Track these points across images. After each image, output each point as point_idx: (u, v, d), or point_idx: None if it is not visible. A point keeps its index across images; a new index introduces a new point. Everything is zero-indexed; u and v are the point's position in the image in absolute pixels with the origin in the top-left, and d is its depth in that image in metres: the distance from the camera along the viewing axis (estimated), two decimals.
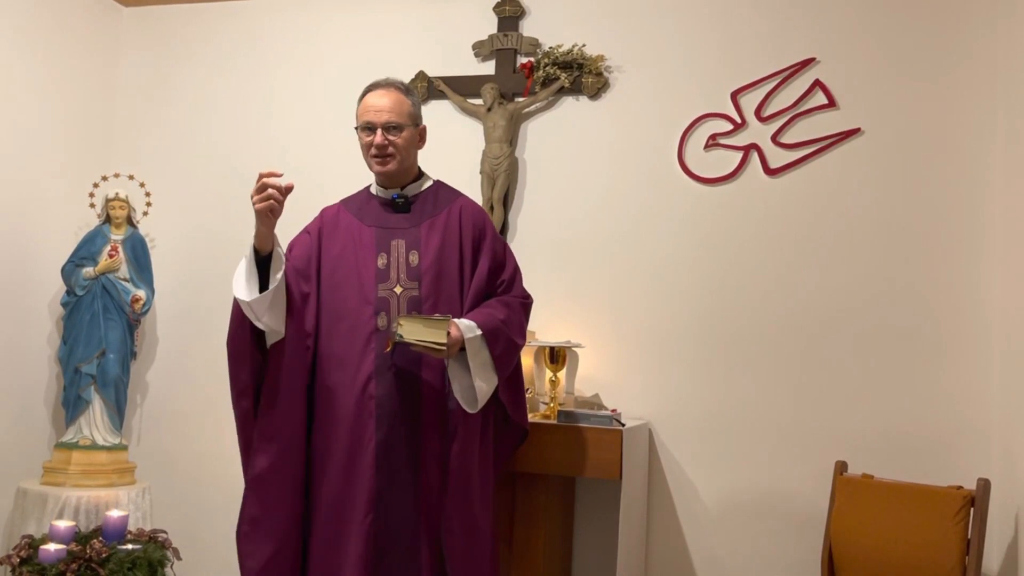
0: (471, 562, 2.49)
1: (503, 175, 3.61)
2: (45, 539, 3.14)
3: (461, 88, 3.75)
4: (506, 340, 2.53)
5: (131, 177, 3.89)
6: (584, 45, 3.61)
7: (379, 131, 2.56)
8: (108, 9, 4.18)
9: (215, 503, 3.82)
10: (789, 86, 3.42)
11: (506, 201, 3.64)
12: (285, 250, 2.57)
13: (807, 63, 3.41)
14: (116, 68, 4.23)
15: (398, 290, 2.55)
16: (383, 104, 2.57)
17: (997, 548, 3.00)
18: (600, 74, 3.60)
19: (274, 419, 2.50)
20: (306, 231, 2.70)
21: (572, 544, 3.40)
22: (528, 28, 3.75)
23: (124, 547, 3.16)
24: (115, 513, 3.26)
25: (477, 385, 2.46)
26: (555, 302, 3.48)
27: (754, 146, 3.44)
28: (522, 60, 3.73)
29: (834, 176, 3.35)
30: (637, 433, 3.16)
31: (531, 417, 2.93)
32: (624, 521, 2.89)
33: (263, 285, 2.44)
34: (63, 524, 3.17)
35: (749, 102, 3.46)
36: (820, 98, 3.39)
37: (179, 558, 3.32)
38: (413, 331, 2.38)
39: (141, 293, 3.72)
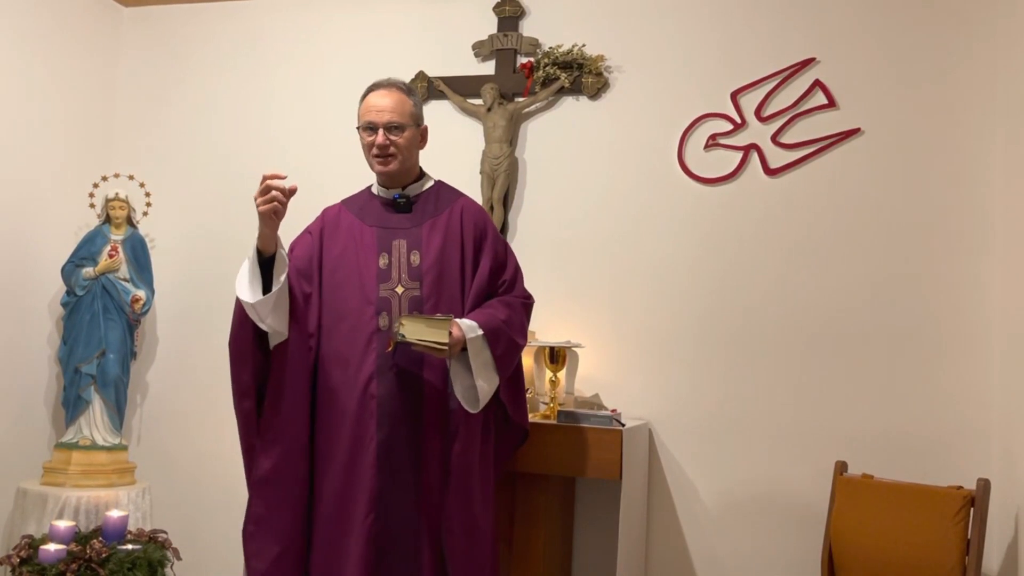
0: (472, 562, 2.49)
1: (503, 175, 3.61)
2: (45, 539, 3.14)
3: (461, 88, 3.75)
4: (507, 340, 2.53)
5: (131, 177, 3.89)
6: (584, 45, 3.61)
7: (381, 131, 2.56)
8: (108, 9, 4.18)
9: (215, 503, 3.82)
10: (789, 86, 3.42)
11: (506, 201, 3.64)
12: (287, 251, 2.57)
13: (807, 63, 3.41)
14: (116, 68, 4.23)
15: (399, 290, 2.55)
16: (385, 104, 2.57)
17: (997, 548, 3.00)
18: (600, 74, 3.60)
19: (278, 420, 2.51)
20: (307, 231, 2.70)
21: (572, 544, 3.40)
22: (528, 28, 3.75)
23: (124, 547, 3.16)
24: (115, 513, 3.26)
25: (479, 385, 2.47)
26: (555, 302, 3.48)
27: (754, 146, 3.44)
28: (522, 60, 3.73)
29: (834, 176, 3.36)
30: (637, 433, 3.16)
31: (531, 417, 2.93)
32: (624, 521, 2.89)
33: (266, 286, 2.44)
34: (63, 524, 3.17)
35: (749, 102, 3.46)
36: (820, 98, 3.39)
37: (179, 558, 3.32)
38: (415, 331, 2.38)
39: (141, 293, 3.72)
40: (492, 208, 3.58)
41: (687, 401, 3.41)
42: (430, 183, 2.73)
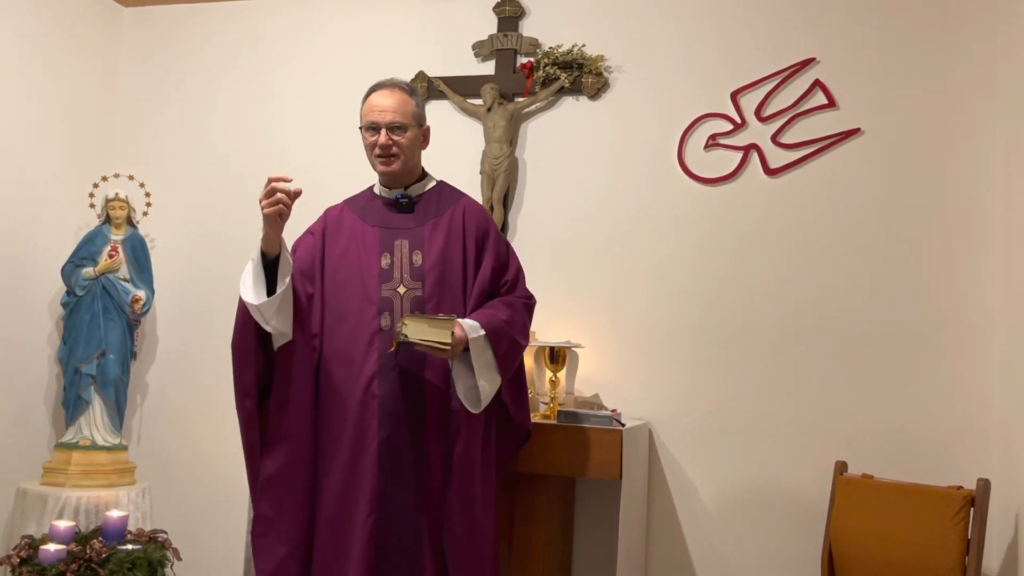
0: (473, 562, 2.49)
1: (503, 175, 3.61)
2: (45, 539, 3.14)
3: (461, 88, 3.75)
4: (509, 340, 2.53)
5: (131, 177, 3.89)
6: (584, 45, 3.61)
7: (383, 131, 2.56)
8: (108, 9, 4.18)
9: (215, 503, 3.82)
10: (789, 86, 3.42)
11: (506, 201, 3.64)
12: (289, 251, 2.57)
13: (807, 63, 3.41)
14: (116, 68, 4.23)
15: (401, 290, 2.55)
16: (387, 104, 2.58)
17: (997, 548, 3.00)
18: (600, 74, 3.60)
19: (284, 422, 2.51)
20: (309, 231, 2.70)
21: (572, 544, 3.40)
22: (528, 28, 3.75)
23: (124, 547, 3.16)
24: (115, 513, 3.26)
25: (480, 385, 2.47)
26: (555, 302, 3.47)
27: (754, 146, 3.44)
28: (522, 60, 3.73)
29: (834, 176, 3.36)
30: (637, 433, 3.16)
31: (532, 417, 2.93)
32: (624, 521, 2.89)
33: (270, 288, 2.44)
34: (63, 524, 3.17)
35: (749, 102, 3.46)
36: (820, 98, 3.39)
37: (179, 558, 3.31)
38: (417, 331, 2.39)
39: (141, 293, 3.72)
40: (492, 208, 3.58)
41: (687, 401, 3.41)
42: (432, 183, 2.73)
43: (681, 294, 3.46)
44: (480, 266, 2.63)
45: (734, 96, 3.47)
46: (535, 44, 3.70)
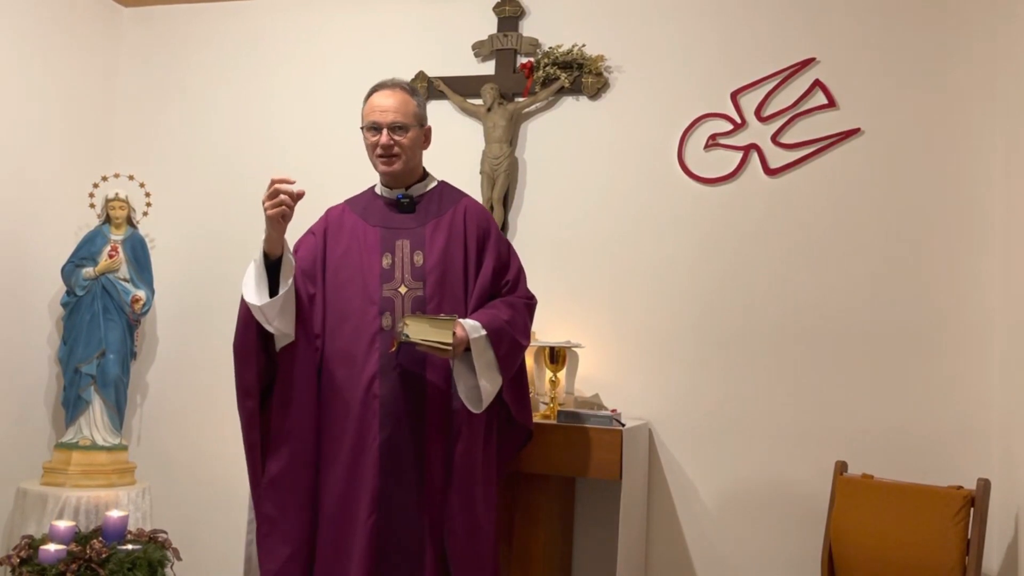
0: (474, 563, 2.50)
1: (503, 175, 3.61)
2: (45, 539, 3.14)
3: (461, 88, 3.75)
4: (510, 340, 2.54)
5: (131, 177, 3.89)
6: (584, 45, 3.61)
7: (385, 131, 2.57)
8: (108, 9, 4.18)
9: (215, 503, 3.82)
10: (789, 86, 3.42)
11: (506, 201, 3.64)
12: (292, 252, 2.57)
13: (807, 63, 3.41)
14: (116, 68, 4.23)
15: (403, 290, 2.56)
16: (389, 104, 2.58)
17: (997, 548, 3.00)
18: (600, 74, 3.60)
19: (286, 422, 2.51)
20: (311, 232, 2.71)
21: (572, 544, 3.40)
22: (528, 28, 3.75)
23: (124, 547, 3.16)
24: (115, 513, 3.25)
25: (482, 385, 2.47)
26: (555, 302, 3.47)
27: (754, 146, 3.44)
28: (522, 60, 3.73)
29: (834, 176, 3.36)
30: (637, 433, 3.16)
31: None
32: (624, 521, 2.89)
33: (272, 289, 2.44)
34: (63, 524, 3.17)
35: (749, 102, 3.46)
36: (820, 98, 3.39)
37: (179, 558, 3.31)
38: (419, 331, 2.39)
39: (141, 293, 3.72)
40: (492, 208, 3.58)
41: (687, 401, 3.41)
42: (433, 183, 2.73)
43: (681, 294, 3.46)
44: (481, 266, 2.63)
45: (734, 96, 3.47)
46: (535, 44, 3.70)
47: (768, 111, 3.44)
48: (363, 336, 2.52)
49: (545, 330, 3.44)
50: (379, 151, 2.59)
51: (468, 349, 2.46)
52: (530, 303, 2.70)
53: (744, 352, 3.38)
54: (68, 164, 3.95)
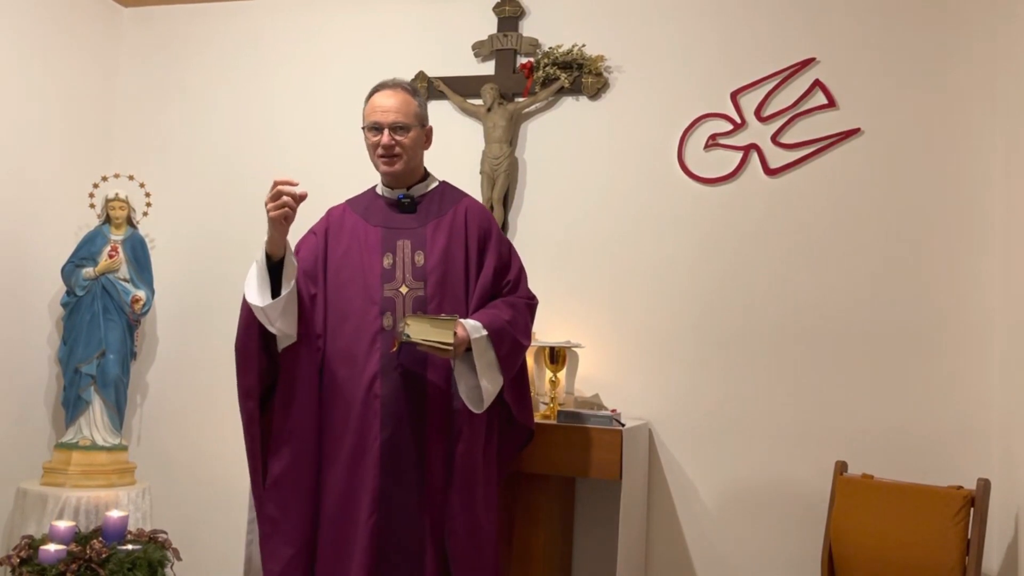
0: (475, 563, 2.49)
1: (503, 175, 3.61)
2: (45, 539, 3.14)
3: (461, 88, 3.75)
4: (512, 341, 2.54)
5: (131, 177, 3.89)
6: (584, 45, 3.61)
7: (386, 131, 2.57)
8: (108, 9, 4.18)
9: (215, 503, 3.82)
10: (789, 86, 3.42)
11: (506, 201, 3.64)
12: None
13: (807, 63, 3.42)
14: (116, 68, 4.23)
15: (404, 290, 2.56)
16: (390, 104, 2.58)
17: (997, 548, 3.00)
18: (600, 74, 3.60)
19: (288, 422, 2.51)
20: (312, 232, 2.71)
21: (572, 544, 3.40)
22: (528, 28, 3.75)
23: (124, 547, 3.15)
24: (115, 513, 3.25)
25: (483, 385, 2.47)
26: (555, 302, 3.47)
27: (754, 146, 3.44)
28: (522, 60, 3.73)
29: (834, 176, 3.36)
30: (637, 433, 3.16)
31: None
32: (624, 521, 2.89)
33: (274, 290, 2.44)
34: (63, 524, 3.17)
35: (749, 102, 3.46)
36: (820, 98, 3.39)
37: (179, 558, 3.31)
38: (420, 331, 2.39)
39: (141, 293, 3.72)
40: (492, 208, 3.58)
41: (687, 401, 3.41)
42: (435, 183, 2.73)
43: (681, 294, 3.47)
44: (482, 266, 2.63)
45: (734, 96, 3.47)
46: (535, 44, 3.70)
47: (768, 111, 3.44)
48: (364, 336, 2.52)
49: (545, 330, 3.44)
50: (380, 151, 2.59)
51: (469, 349, 2.46)
52: (531, 303, 2.71)
53: (744, 352, 3.38)
54: (68, 164, 3.95)
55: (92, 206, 3.85)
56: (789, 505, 3.27)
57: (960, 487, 2.79)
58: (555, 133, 3.67)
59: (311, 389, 2.53)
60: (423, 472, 2.48)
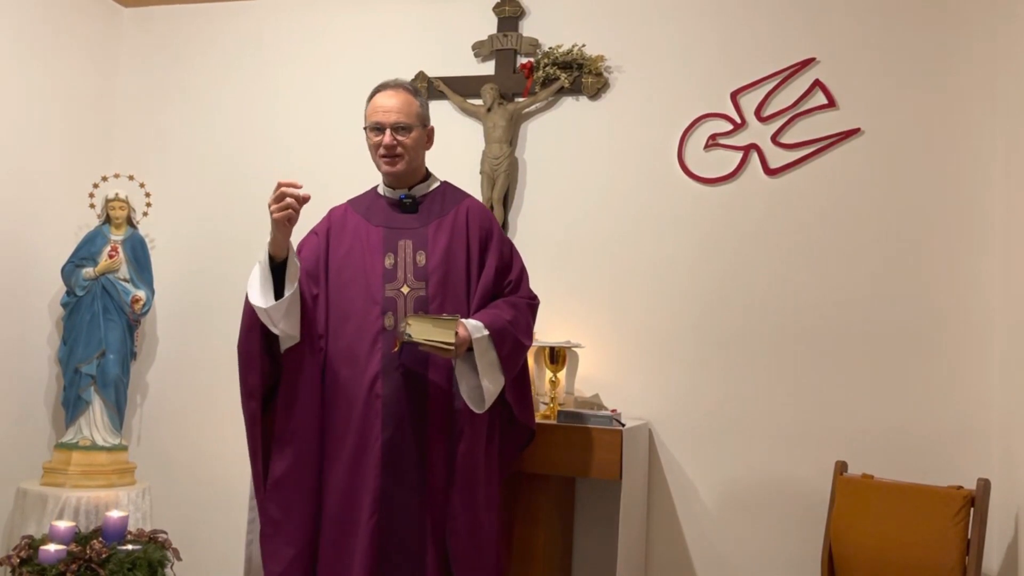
0: (476, 563, 2.50)
1: (503, 175, 3.61)
2: (45, 539, 3.14)
3: (461, 88, 3.75)
4: (513, 340, 2.54)
5: (131, 177, 3.89)
6: (584, 45, 3.61)
7: (388, 131, 2.57)
8: (108, 10, 4.18)
9: (215, 503, 3.82)
10: (789, 86, 3.42)
11: (506, 201, 3.64)
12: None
13: (807, 63, 3.42)
14: (116, 69, 4.23)
15: (405, 290, 2.56)
16: (392, 105, 2.58)
17: (997, 548, 3.00)
18: (600, 74, 3.60)
19: (290, 423, 2.51)
20: (314, 232, 2.71)
21: (572, 544, 3.40)
22: (528, 28, 3.75)
23: (124, 548, 3.16)
24: (115, 514, 3.25)
25: (484, 385, 2.47)
26: (555, 302, 3.47)
27: (754, 146, 3.44)
28: (522, 60, 3.73)
29: (834, 176, 3.36)
30: (637, 433, 3.16)
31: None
32: (624, 521, 2.89)
33: (277, 291, 2.45)
34: (63, 524, 3.17)
35: (749, 102, 3.46)
36: (820, 98, 3.39)
37: (179, 558, 3.31)
38: (421, 330, 2.39)
39: (141, 293, 3.72)
40: (492, 208, 3.58)
41: (687, 401, 3.41)
42: (436, 184, 2.74)
43: (681, 294, 3.47)
44: (484, 266, 2.63)
45: (734, 96, 3.47)
46: (535, 44, 3.70)
47: (768, 111, 3.44)
48: (366, 336, 2.52)
49: (545, 330, 3.44)
50: (382, 151, 2.59)
51: (471, 349, 2.46)
52: (532, 303, 2.71)
53: (744, 352, 3.38)
54: (68, 164, 3.95)
55: (92, 206, 3.85)
56: (789, 505, 3.27)
57: (960, 487, 2.79)
58: (555, 133, 3.67)
59: (313, 389, 2.53)
60: (424, 472, 2.48)
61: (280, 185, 2.39)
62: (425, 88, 3.76)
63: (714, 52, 3.52)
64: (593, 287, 3.55)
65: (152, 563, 3.16)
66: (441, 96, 3.76)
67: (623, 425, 2.97)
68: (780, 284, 3.37)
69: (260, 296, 2.43)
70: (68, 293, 3.70)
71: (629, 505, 2.95)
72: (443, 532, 2.47)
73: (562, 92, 3.65)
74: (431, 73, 3.79)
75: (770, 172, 3.42)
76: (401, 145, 2.58)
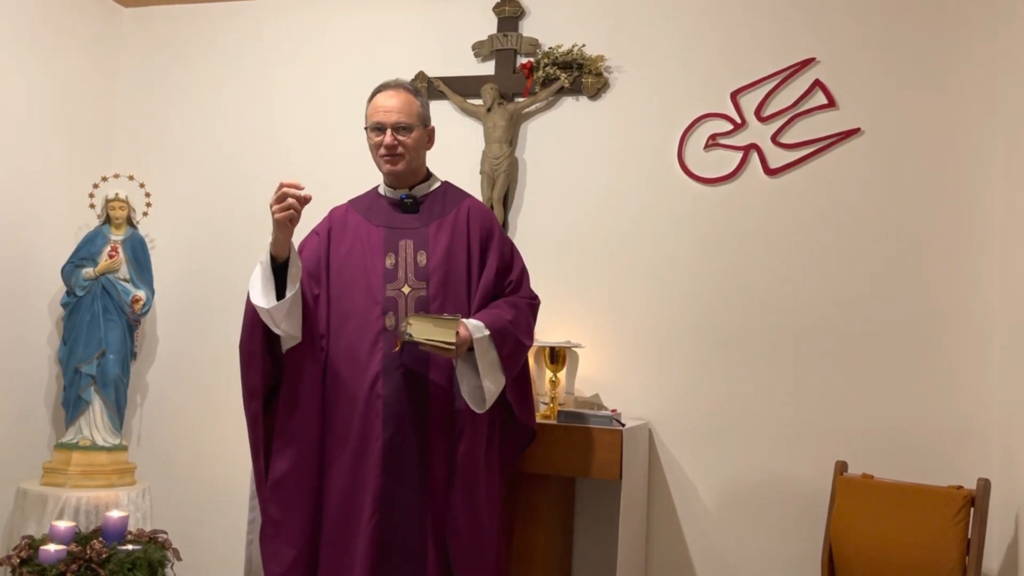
0: (477, 563, 2.50)
1: (503, 175, 3.61)
2: (45, 540, 3.14)
3: (461, 88, 3.75)
4: (514, 340, 2.54)
5: (131, 177, 3.89)
6: (584, 45, 3.61)
7: (388, 131, 2.57)
8: (108, 10, 4.18)
9: (215, 503, 3.82)
10: (789, 86, 3.42)
11: (506, 201, 3.64)
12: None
13: (807, 63, 3.42)
14: (116, 69, 4.23)
15: (406, 290, 2.56)
16: (392, 105, 2.58)
17: (997, 548, 3.00)
18: (600, 74, 3.60)
19: (292, 424, 2.52)
20: (315, 232, 2.71)
21: (572, 544, 3.40)
22: (528, 28, 3.75)
23: (124, 548, 3.16)
24: (115, 514, 3.25)
25: (485, 385, 2.47)
26: (555, 302, 3.46)
27: (754, 146, 3.44)
28: (522, 60, 3.73)
29: (834, 176, 3.36)
30: (637, 433, 3.16)
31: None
32: (624, 521, 2.89)
33: (279, 291, 2.45)
34: (63, 525, 3.17)
35: (749, 102, 3.46)
36: (820, 98, 3.39)
37: (179, 558, 3.31)
38: (422, 330, 2.39)
39: (141, 294, 3.72)
40: (492, 208, 3.58)
41: (687, 401, 3.41)
42: (437, 184, 2.74)
43: (681, 294, 3.47)
44: (484, 266, 2.63)
45: (734, 96, 3.47)
46: (535, 44, 3.70)
47: (768, 111, 3.44)
48: (367, 336, 2.52)
49: (545, 330, 3.44)
50: (383, 151, 2.60)
51: (471, 349, 2.46)
52: (533, 303, 2.71)
53: (744, 352, 3.38)
54: (68, 164, 3.95)
55: (92, 206, 3.85)
56: (789, 505, 3.27)
57: (960, 487, 2.79)
58: (555, 133, 3.67)
59: (314, 389, 2.53)
60: (425, 472, 2.48)
61: (282, 185, 2.40)
62: (425, 88, 3.75)
63: (714, 52, 3.52)
64: (593, 287, 3.55)
65: (152, 563, 3.16)
66: (441, 96, 3.76)
67: (623, 425, 2.97)
68: (780, 284, 3.37)
69: (262, 296, 2.43)
70: (68, 293, 3.70)
71: (629, 505, 2.95)
72: (444, 532, 2.47)
73: (562, 92, 3.65)
74: (431, 73, 3.79)
75: (770, 172, 3.42)
76: (402, 145, 2.58)
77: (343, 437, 2.50)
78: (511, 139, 3.65)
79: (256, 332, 2.48)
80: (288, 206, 2.38)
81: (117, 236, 3.75)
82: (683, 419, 3.41)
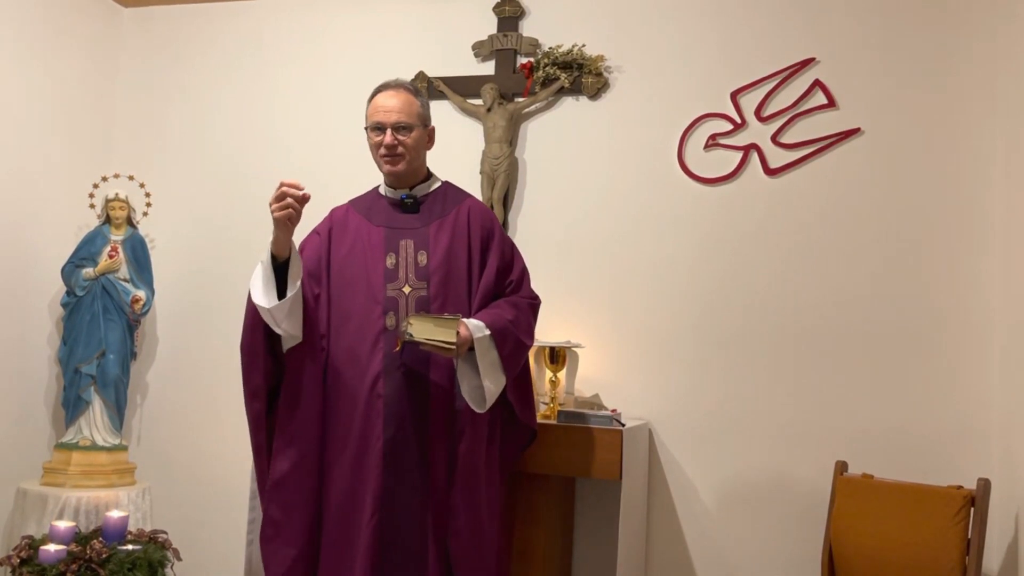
0: (477, 563, 2.50)
1: (503, 175, 3.61)
2: (45, 540, 3.14)
3: (461, 88, 3.75)
4: (514, 340, 2.54)
5: (131, 177, 3.89)
6: (584, 45, 3.61)
7: (389, 131, 2.57)
8: (108, 9, 4.18)
9: (215, 503, 3.82)
10: (789, 86, 3.42)
11: (506, 201, 3.64)
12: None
13: (807, 63, 3.42)
14: (116, 69, 4.23)
15: (406, 290, 2.56)
16: (393, 105, 2.58)
17: (997, 548, 3.00)
18: (600, 74, 3.60)
19: (293, 424, 2.52)
20: (315, 232, 2.71)
21: (572, 544, 3.40)
22: (528, 28, 3.75)
23: (124, 548, 3.16)
24: (115, 514, 3.26)
25: (485, 385, 2.47)
26: (555, 302, 3.46)
27: (754, 146, 3.44)
28: (522, 60, 3.73)
29: (834, 176, 3.36)
30: (637, 433, 3.16)
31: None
32: (624, 521, 2.88)
33: (280, 291, 2.45)
34: (63, 525, 3.17)
35: (749, 102, 3.46)
36: (820, 98, 3.39)
37: (179, 558, 3.31)
38: (423, 330, 2.39)
39: (141, 294, 3.72)
40: (492, 208, 3.58)
41: (687, 401, 3.41)
42: (437, 184, 2.74)
43: (681, 294, 3.47)
44: (485, 266, 2.63)
45: (734, 96, 3.47)
46: (535, 44, 3.70)
47: (768, 111, 3.44)
48: (367, 336, 2.52)
49: (545, 330, 3.44)
50: (383, 151, 2.60)
51: (472, 349, 2.46)
52: (534, 303, 2.71)
53: (744, 352, 3.38)
54: (68, 164, 3.95)
55: (92, 206, 3.85)
56: (789, 505, 3.27)
57: (960, 487, 2.79)
58: (555, 133, 3.67)
59: (315, 389, 2.53)
60: (426, 472, 2.48)
61: (282, 184, 2.40)
62: (425, 88, 3.76)
63: (714, 52, 3.52)
64: (593, 287, 3.55)
65: (152, 563, 3.17)
66: (441, 96, 3.76)
67: (623, 425, 2.97)
68: (780, 284, 3.37)
69: (263, 296, 2.43)
70: (68, 293, 3.70)
71: (629, 505, 2.95)
72: (444, 532, 2.47)
73: (562, 92, 3.65)
74: (431, 73, 3.79)
75: (770, 172, 3.42)
76: (402, 145, 2.59)
77: (344, 437, 2.50)
78: (511, 139, 3.65)
79: (257, 332, 2.48)
80: (286, 205, 2.39)
81: (117, 236, 3.75)
82: (683, 419, 3.41)
